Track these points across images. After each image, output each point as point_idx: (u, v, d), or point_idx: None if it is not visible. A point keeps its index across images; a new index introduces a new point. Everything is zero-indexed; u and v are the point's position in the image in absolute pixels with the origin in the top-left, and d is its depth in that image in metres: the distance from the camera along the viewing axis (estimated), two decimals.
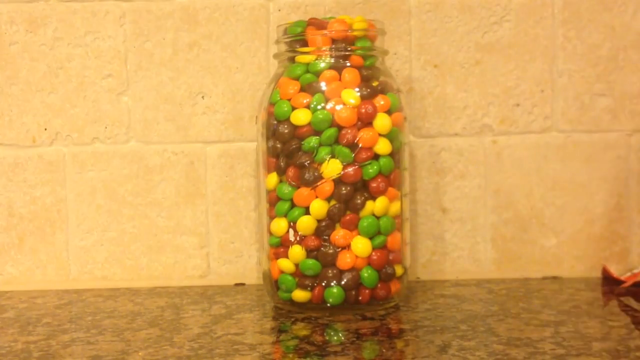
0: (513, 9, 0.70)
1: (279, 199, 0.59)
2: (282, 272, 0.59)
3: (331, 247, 0.57)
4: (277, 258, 0.59)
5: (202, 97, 0.70)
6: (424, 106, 0.70)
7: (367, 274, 0.57)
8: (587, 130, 0.70)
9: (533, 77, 0.70)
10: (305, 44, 0.59)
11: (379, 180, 0.57)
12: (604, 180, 0.70)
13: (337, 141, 0.57)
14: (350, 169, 0.57)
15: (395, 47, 0.69)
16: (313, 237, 0.57)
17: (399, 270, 0.60)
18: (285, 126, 0.58)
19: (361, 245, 0.57)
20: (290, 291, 0.58)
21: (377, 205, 0.58)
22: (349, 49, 0.59)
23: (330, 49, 0.59)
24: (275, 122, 0.58)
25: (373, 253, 0.58)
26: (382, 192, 0.58)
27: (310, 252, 0.57)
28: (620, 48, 0.70)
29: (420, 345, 0.49)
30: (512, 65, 0.70)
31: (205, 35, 0.70)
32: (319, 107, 0.57)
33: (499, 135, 0.70)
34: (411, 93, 0.70)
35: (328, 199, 0.57)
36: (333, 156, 0.57)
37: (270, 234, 0.60)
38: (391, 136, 0.58)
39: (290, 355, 0.48)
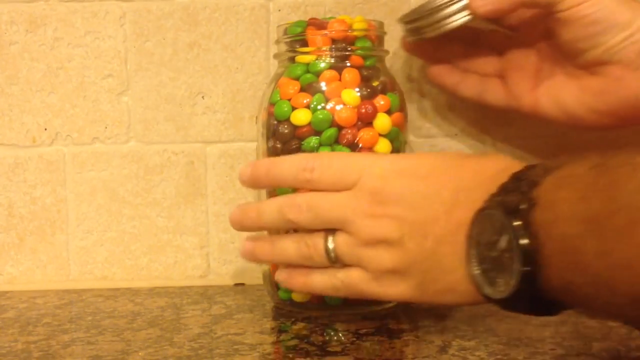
0: None
1: None
2: None
3: None
4: None
5: (202, 97, 0.70)
6: (424, 106, 0.70)
7: None
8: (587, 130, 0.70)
9: None
10: (305, 44, 0.59)
11: None
12: None
13: (337, 141, 0.57)
14: None
15: (395, 46, 0.69)
16: None
17: None
18: (286, 126, 0.58)
19: None
20: (290, 291, 0.58)
21: None
22: (349, 49, 0.59)
23: (330, 49, 0.58)
24: (276, 122, 0.58)
25: None
26: None
27: None
28: None
29: (420, 345, 0.49)
30: None
31: (205, 35, 0.70)
32: (319, 107, 0.57)
33: (499, 135, 0.70)
34: (411, 93, 0.70)
35: None
36: None
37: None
38: (391, 136, 0.58)
39: (290, 355, 0.48)
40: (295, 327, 0.55)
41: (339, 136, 0.57)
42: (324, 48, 0.58)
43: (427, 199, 0.49)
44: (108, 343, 0.51)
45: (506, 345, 0.49)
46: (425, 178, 0.50)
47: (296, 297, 0.58)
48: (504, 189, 0.44)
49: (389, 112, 0.58)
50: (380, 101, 0.58)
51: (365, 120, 0.57)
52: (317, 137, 0.57)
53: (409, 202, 0.49)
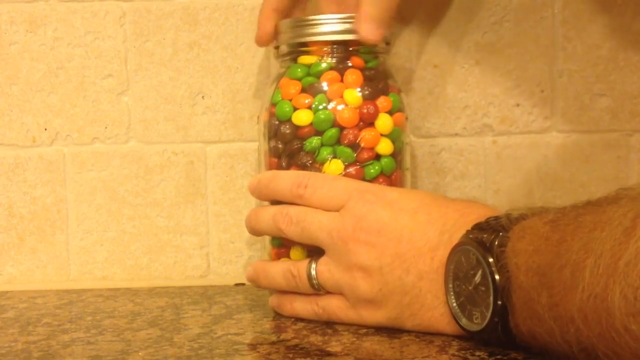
0: (513, 9, 0.69)
1: None
2: None
3: None
4: (278, 258, 0.59)
5: (202, 97, 0.70)
6: (424, 106, 0.70)
7: None
8: (587, 130, 0.70)
9: (533, 77, 0.70)
10: (306, 44, 0.59)
11: (381, 180, 0.57)
12: (604, 180, 0.70)
13: (338, 141, 0.57)
14: (351, 169, 0.57)
15: (395, 47, 0.69)
16: None
17: None
18: (287, 126, 0.58)
19: None
20: None
21: None
22: (351, 49, 0.59)
23: (332, 50, 0.58)
24: (277, 122, 0.58)
25: None
26: None
27: (311, 253, 0.57)
28: (620, 48, 0.70)
29: (420, 345, 0.49)
30: (512, 65, 0.70)
31: (205, 35, 0.70)
32: (320, 107, 0.57)
33: (499, 135, 0.70)
34: (411, 93, 0.70)
35: None
36: (335, 156, 0.57)
37: None
38: (393, 136, 0.58)
39: (290, 355, 0.48)
40: (295, 327, 0.55)
41: (340, 136, 0.57)
42: (326, 49, 0.58)
43: (413, 234, 0.50)
44: (108, 343, 0.51)
45: (506, 346, 0.49)
46: (412, 213, 0.51)
47: None
48: (479, 228, 0.47)
49: (390, 112, 0.58)
50: (382, 101, 0.58)
51: (367, 121, 0.57)
52: (319, 137, 0.57)
53: (394, 234, 0.51)
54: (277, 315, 0.58)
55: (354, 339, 0.51)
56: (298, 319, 0.56)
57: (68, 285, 0.70)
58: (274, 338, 0.53)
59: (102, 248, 0.70)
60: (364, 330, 0.53)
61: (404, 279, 0.50)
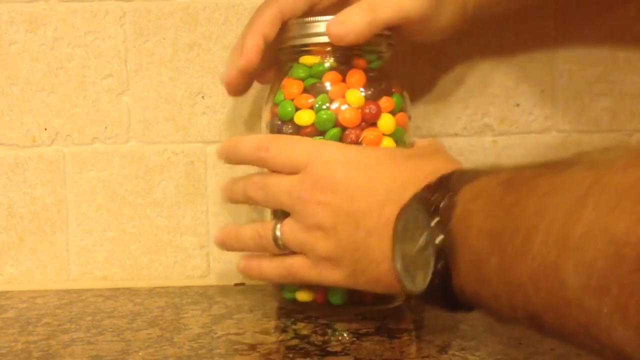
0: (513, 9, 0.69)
1: None
2: None
3: None
4: None
5: (202, 97, 0.70)
6: (424, 106, 0.70)
7: None
8: (587, 130, 0.70)
9: (533, 77, 0.70)
10: (309, 44, 0.59)
11: None
12: None
13: (340, 141, 0.57)
14: None
15: (396, 47, 0.69)
16: None
17: None
18: (289, 126, 0.58)
19: None
20: (294, 291, 0.58)
21: None
22: (353, 49, 0.58)
23: (334, 50, 0.58)
24: (279, 122, 0.58)
25: None
26: None
27: None
28: (620, 48, 0.70)
29: (420, 345, 0.49)
30: (512, 65, 0.70)
31: (205, 35, 0.70)
32: (323, 107, 0.57)
33: (499, 135, 0.70)
34: (411, 93, 0.70)
35: None
36: None
37: None
38: (395, 136, 0.58)
39: (290, 355, 0.48)
40: (295, 327, 0.55)
41: (342, 136, 0.57)
42: (328, 49, 0.58)
43: (363, 191, 0.51)
44: (108, 343, 0.51)
45: (506, 345, 0.49)
46: (366, 171, 0.52)
47: (300, 297, 0.58)
48: (429, 189, 0.46)
49: (393, 112, 0.58)
50: (385, 102, 0.58)
51: (369, 121, 0.57)
52: (321, 137, 0.57)
53: (347, 192, 0.52)
54: (277, 315, 0.58)
55: (354, 339, 0.51)
56: (298, 319, 0.56)
57: (68, 285, 0.70)
58: (274, 338, 0.53)
59: (102, 248, 0.70)
60: (364, 330, 0.53)
61: (354, 236, 0.51)
